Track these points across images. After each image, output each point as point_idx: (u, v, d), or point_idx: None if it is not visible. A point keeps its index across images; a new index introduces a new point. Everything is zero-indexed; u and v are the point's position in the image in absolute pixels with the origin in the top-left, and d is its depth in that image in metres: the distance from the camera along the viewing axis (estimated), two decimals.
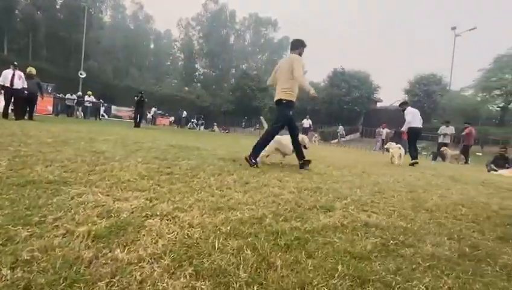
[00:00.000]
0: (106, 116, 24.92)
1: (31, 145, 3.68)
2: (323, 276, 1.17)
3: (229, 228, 1.56)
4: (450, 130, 13.12)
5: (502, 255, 1.58)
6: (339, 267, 1.25)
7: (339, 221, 1.87)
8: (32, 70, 10.16)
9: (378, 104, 34.58)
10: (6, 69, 9.14)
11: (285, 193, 2.51)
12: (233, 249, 1.32)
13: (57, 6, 34.31)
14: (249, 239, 1.44)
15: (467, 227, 2.07)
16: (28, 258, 1.07)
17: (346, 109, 30.74)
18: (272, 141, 4.25)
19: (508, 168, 8.68)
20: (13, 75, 8.93)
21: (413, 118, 7.48)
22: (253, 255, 1.28)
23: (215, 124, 31.93)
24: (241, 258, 1.25)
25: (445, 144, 12.85)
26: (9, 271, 0.99)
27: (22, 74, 9.27)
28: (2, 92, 9.14)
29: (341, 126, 25.54)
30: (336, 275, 1.19)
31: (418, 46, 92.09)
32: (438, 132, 13.60)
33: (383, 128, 18.77)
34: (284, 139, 4.51)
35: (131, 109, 24.22)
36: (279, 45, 59.09)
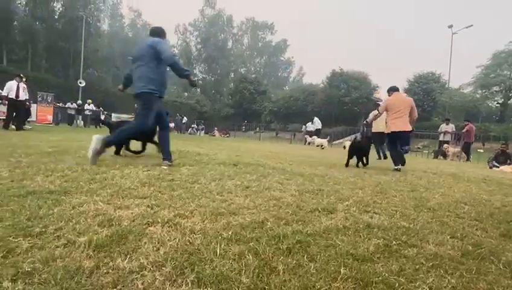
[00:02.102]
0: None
1: (31, 155, 3.70)
2: (326, 279, 1.17)
3: (230, 233, 1.55)
4: (451, 127, 13.12)
5: (506, 252, 1.57)
6: (342, 270, 1.24)
7: (341, 223, 1.86)
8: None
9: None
10: (6, 80, 9.22)
11: (286, 196, 2.50)
12: (235, 255, 1.31)
13: (55, 17, 34.56)
14: (251, 244, 1.43)
15: (470, 225, 2.06)
16: (29, 270, 1.07)
17: (346, 109, 30.73)
18: None
19: (509, 164, 8.66)
20: (18, 86, 9.04)
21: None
22: (255, 260, 1.28)
23: (215, 128, 31.97)
24: (243, 263, 1.24)
25: (446, 142, 12.84)
26: (10, 283, 0.99)
27: (25, 85, 9.37)
28: (6, 102, 9.18)
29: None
30: (339, 278, 1.18)
31: (416, 45, 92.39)
32: (439, 130, 13.59)
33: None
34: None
35: (131, 116, 24.27)
36: (276, 48, 59.41)
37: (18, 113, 9.21)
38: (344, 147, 8.05)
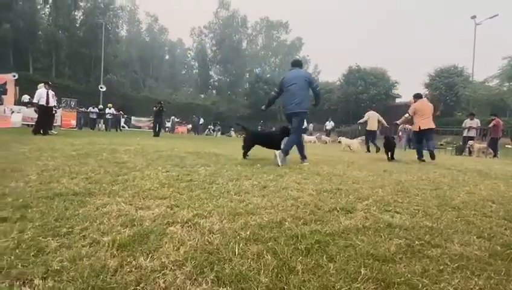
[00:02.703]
0: (126, 127, 25.74)
1: (57, 158, 3.87)
2: (345, 280, 1.15)
3: (248, 233, 1.57)
4: (475, 123, 12.56)
5: None
6: (362, 270, 1.22)
7: (361, 222, 1.84)
8: (41, 86, 10.66)
9: (397, 100, 33.63)
10: (32, 87, 9.70)
11: (304, 195, 2.49)
12: (254, 254, 1.32)
13: (77, 25, 35.89)
14: (269, 244, 1.44)
15: (498, 224, 1.97)
16: (58, 268, 1.12)
17: (364, 106, 30.06)
18: None
19: None
20: (47, 93, 9.48)
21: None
22: (273, 259, 1.28)
23: (232, 129, 32.18)
24: (262, 263, 1.25)
25: (471, 138, 12.30)
26: (41, 281, 1.04)
27: (53, 92, 9.80)
28: (37, 109, 9.53)
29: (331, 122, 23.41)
30: (359, 278, 1.16)
31: (436, 38, 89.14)
32: (463, 125, 13.06)
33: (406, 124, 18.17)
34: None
35: (150, 119, 24.91)
36: (291, 47, 59.04)
37: (47, 119, 9.66)
38: (339, 142, 10.12)
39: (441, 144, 16.45)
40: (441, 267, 1.30)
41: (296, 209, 2.06)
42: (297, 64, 5.12)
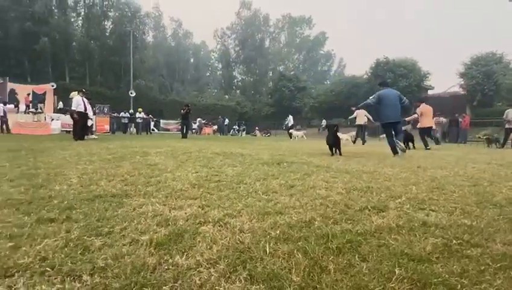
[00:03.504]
0: (156, 130, 26.72)
1: (94, 162, 4.12)
2: (379, 279, 1.14)
3: (278, 232, 1.59)
4: None
5: None
6: (396, 270, 1.20)
7: (394, 221, 1.79)
8: (74, 94, 10.83)
9: (430, 92, 31.94)
10: (68, 95, 10.29)
11: (333, 194, 2.46)
12: (285, 254, 1.34)
13: (107, 34, 37.84)
14: (299, 243, 1.45)
15: None
16: (103, 265, 1.21)
17: None
18: None
19: None
20: (83, 101, 10.00)
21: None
22: (304, 259, 1.29)
23: (256, 128, 32.32)
24: (293, 262, 1.27)
25: None
26: (88, 277, 1.14)
27: (86, 99, 10.34)
28: (76, 116, 9.89)
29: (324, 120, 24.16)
30: (394, 278, 1.14)
31: (471, 24, 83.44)
32: (504, 116, 12.15)
33: (439, 117, 17.23)
34: None
35: (178, 121, 25.66)
36: (315, 42, 58.06)
37: (85, 124, 10.26)
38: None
39: (479, 137, 15.41)
40: (482, 267, 1.24)
41: (325, 209, 2.05)
42: (388, 84, 7.22)
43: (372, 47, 71.24)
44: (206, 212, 1.92)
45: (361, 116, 13.07)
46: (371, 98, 6.86)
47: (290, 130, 18.68)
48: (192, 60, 59.08)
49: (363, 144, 12.37)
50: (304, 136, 18.23)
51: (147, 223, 1.69)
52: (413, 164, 4.73)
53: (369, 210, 2.03)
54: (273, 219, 1.81)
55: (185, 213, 1.88)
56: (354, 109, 7.94)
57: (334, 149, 6.32)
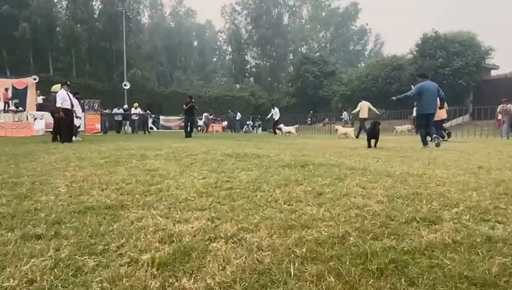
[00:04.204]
0: (155, 129, 27.30)
1: (85, 168, 4.26)
2: None
3: (304, 250, 1.59)
4: None
5: None
6: None
7: (449, 236, 1.75)
8: (56, 88, 11.05)
9: (494, 73, 30.79)
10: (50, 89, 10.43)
11: (371, 203, 2.44)
12: (313, 276, 1.34)
13: (95, 16, 38.93)
14: (331, 263, 1.45)
15: None
16: (98, 289, 1.26)
17: (446, 84, 28.01)
18: None
19: None
20: (69, 95, 10.23)
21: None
22: (337, 282, 1.29)
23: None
24: (324, 286, 1.26)
25: None
26: None
27: (72, 94, 10.63)
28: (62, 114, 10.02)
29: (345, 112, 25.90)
30: None
31: None
32: None
33: (506, 104, 16.57)
34: None
35: (180, 117, 26.09)
36: (345, 15, 57.26)
37: (72, 124, 10.51)
38: (336, 130, 16.11)
39: None
40: None
41: (362, 221, 2.03)
42: (427, 76, 8.72)
43: (416, 19, 69.45)
44: (216, 226, 1.94)
45: (365, 109, 15.05)
46: (411, 90, 8.57)
47: (280, 125, 19.72)
48: (196, 44, 59.82)
49: (356, 136, 14.72)
50: (295, 132, 19.15)
51: (147, 240, 1.73)
52: (473, 164, 4.59)
53: (418, 222, 1.99)
54: (298, 233, 1.81)
55: (192, 227, 1.92)
56: (395, 98, 8.94)
57: (373, 142, 8.10)
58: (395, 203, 2.45)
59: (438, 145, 7.90)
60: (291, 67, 50.17)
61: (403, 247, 1.62)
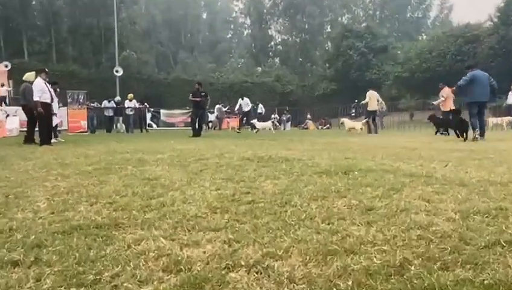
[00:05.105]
0: (154, 126, 27.69)
1: (69, 177, 4.40)
2: None
3: (350, 283, 1.58)
4: None
5: None
6: None
7: None
8: (30, 76, 11.11)
9: None
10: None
11: (439, 221, 2.40)
12: None
13: None
14: None
15: None
16: None
17: None
18: None
19: None
20: (47, 86, 10.45)
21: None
22: None
23: (308, 116, 32.13)
24: None
25: None
26: None
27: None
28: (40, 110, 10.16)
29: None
30: None
31: None
32: None
33: None
34: None
35: (186, 111, 26.39)
36: None
37: (51, 121, 10.82)
38: (342, 124, 19.40)
39: None
40: None
41: (426, 245, 2.00)
42: (476, 66, 11.30)
43: None
44: (235, 251, 1.96)
45: (373, 101, 17.44)
46: (462, 79, 10.72)
47: (253, 121, 20.94)
48: (205, 16, 60.38)
49: (375, 132, 17.19)
50: (272, 128, 20.51)
51: (148, 268, 1.76)
52: None
53: (503, 247, 1.95)
54: (342, 261, 1.80)
55: (204, 252, 1.94)
56: (441, 86, 12.69)
57: (463, 134, 10.30)
58: (471, 221, 2.39)
59: (475, 139, 9.99)
60: (329, 44, 49.78)
61: (483, 279, 1.58)
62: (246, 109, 20.68)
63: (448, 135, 13.60)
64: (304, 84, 43.99)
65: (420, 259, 1.81)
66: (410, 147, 8.01)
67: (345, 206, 2.83)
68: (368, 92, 17.85)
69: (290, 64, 50.90)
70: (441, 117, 15.08)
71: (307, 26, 53.28)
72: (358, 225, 2.36)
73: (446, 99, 14.98)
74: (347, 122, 19.19)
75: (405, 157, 5.92)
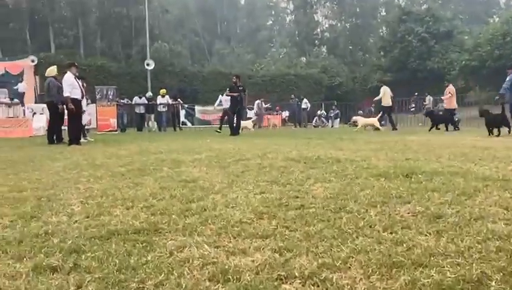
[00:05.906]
0: (189, 124, 28.10)
1: (102, 179, 4.56)
2: None
3: None
4: None
5: None
6: None
7: None
8: (51, 71, 11.59)
9: None
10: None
11: None
12: None
13: None
14: None
15: None
16: None
17: None
18: None
19: None
20: (78, 82, 10.72)
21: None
22: None
23: (359, 112, 31.63)
24: None
25: None
26: None
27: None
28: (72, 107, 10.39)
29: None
30: None
31: None
32: None
33: None
34: None
35: (222, 107, 26.59)
36: None
37: (81, 120, 11.17)
38: (355, 123, 21.36)
39: None
40: None
41: (508, 258, 1.93)
42: None
43: None
44: (287, 261, 1.96)
45: (387, 96, 18.86)
46: (506, 82, 12.98)
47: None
48: (242, 2, 60.66)
49: (392, 129, 18.42)
50: (252, 128, 20.69)
51: (193, 277, 1.80)
52: None
53: None
54: (409, 274, 1.77)
55: (253, 261, 1.96)
56: (447, 84, 13.65)
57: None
58: None
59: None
60: (384, 29, 48.80)
61: None
62: (225, 105, 20.40)
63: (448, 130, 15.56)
64: (355, 75, 43.42)
65: (500, 273, 1.76)
66: (481, 146, 7.74)
67: (409, 213, 2.78)
68: (381, 88, 19.40)
69: (339, 53, 50.27)
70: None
71: (358, 10, 52.58)
72: (426, 235, 2.32)
73: (452, 97, 17.38)
74: (361, 119, 20.30)
75: (476, 158, 5.73)
